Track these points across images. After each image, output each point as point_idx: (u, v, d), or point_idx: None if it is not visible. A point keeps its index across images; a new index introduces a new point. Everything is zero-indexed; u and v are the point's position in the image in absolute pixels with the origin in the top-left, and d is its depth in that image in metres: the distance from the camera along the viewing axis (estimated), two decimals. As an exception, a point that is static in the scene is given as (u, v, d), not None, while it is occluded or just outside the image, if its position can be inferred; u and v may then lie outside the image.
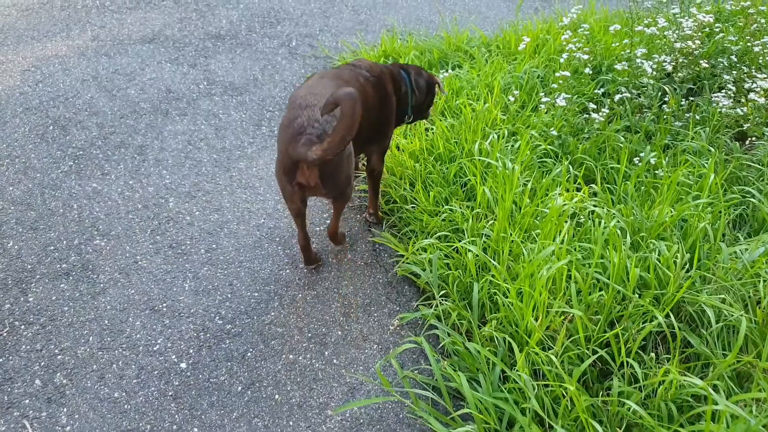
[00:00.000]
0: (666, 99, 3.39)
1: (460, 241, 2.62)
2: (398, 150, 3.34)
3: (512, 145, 3.18)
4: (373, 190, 2.89)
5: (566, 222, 2.50)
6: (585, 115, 3.47)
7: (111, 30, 4.47)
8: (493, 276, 2.34)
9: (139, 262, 2.65)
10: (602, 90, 3.73)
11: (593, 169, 3.02)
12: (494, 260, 2.41)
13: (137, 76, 3.97)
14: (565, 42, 3.68)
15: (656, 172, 2.96)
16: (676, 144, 3.18)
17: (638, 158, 3.06)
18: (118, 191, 3.04)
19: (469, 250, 2.43)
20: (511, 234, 2.46)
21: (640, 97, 3.35)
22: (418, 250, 2.67)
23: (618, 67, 3.36)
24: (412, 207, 2.97)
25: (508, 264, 2.38)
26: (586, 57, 3.66)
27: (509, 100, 3.60)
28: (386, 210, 3.03)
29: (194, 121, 3.61)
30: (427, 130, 3.40)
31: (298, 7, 5.14)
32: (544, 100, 3.17)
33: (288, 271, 2.65)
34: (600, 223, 2.51)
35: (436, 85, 3.00)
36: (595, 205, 2.70)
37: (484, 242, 2.55)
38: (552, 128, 3.26)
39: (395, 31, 4.84)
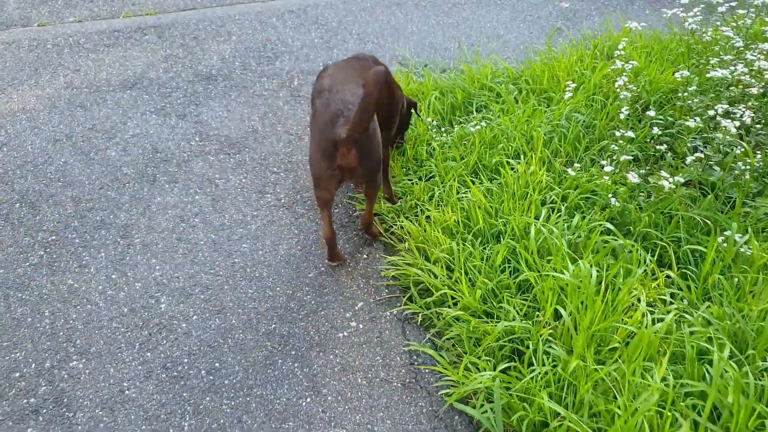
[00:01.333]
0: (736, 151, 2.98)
1: (520, 356, 2.19)
2: (428, 222, 2.91)
3: (567, 220, 2.75)
4: (383, 178, 2.90)
5: (655, 334, 2.07)
6: (641, 170, 3.06)
7: (87, 74, 4.01)
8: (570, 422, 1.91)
9: (126, 391, 2.20)
10: (654, 130, 3.31)
11: (658, 242, 2.60)
12: (569, 391, 1.98)
13: (118, 132, 3.51)
14: (619, 89, 3.25)
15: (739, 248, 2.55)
16: (753, 206, 2.77)
17: (703, 222, 2.64)
18: (98, 289, 2.58)
19: (541, 389, 1.99)
20: (591, 364, 2.03)
21: (714, 153, 2.93)
22: (468, 369, 2.23)
23: (690, 124, 2.93)
24: (454, 303, 2.54)
25: (589, 402, 1.95)
26: (628, 95, 3.23)
27: (552, 157, 3.18)
28: (422, 305, 2.60)
29: (187, 189, 3.15)
30: (460, 198, 2.96)
31: (297, 37, 4.69)
32: (607, 169, 2.74)
33: (309, 399, 2.21)
34: (688, 329, 2.10)
35: (413, 107, 3.25)
36: (672, 298, 2.28)
37: (553, 364, 2.12)
38: (610, 194, 2.84)
39: (409, 65, 4.40)
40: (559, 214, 2.78)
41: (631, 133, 2.85)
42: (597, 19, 5.39)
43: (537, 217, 2.78)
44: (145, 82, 3.96)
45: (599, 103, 3.67)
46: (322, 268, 2.77)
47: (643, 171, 3.06)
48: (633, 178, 2.57)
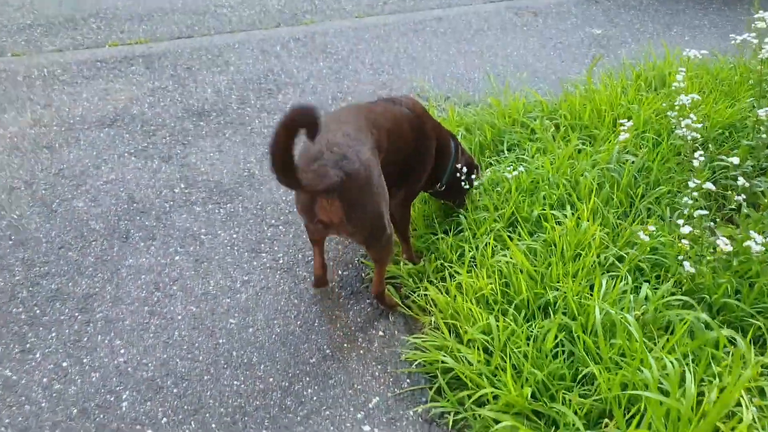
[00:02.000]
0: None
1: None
2: (458, 290, 2.37)
3: (632, 292, 2.21)
4: (401, 236, 2.61)
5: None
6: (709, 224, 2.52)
7: (59, 110, 3.56)
8: None
9: None
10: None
11: (739, 314, 2.06)
12: None
13: (89, 178, 3.03)
14: (686, 128, 2.74)
15: None
16: None
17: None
18: (43, 383, 2.06)
19: None
20: None
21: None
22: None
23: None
24: (494, 397, 1.99)
25: None
26: (696, 135, 2.72)
27: (604, 207, 2.65)
28: (454, 401, 2.05)
29: (165, 248, 2.65)
30: (497, 260, 2.43)
31: (302, 67, 4.24)
32: (685, 230, 2.20)
33: None
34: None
35: (476, 169, 2.82)
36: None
37: None
38: (680, 256, 2.30)
39: (429, 98, 3.92)
40: (622, 281, 2.24)
41: (711, 185, 2.32)
42: (633, 46, 4.92)
43: (591, 286, 2.26)
44: (126, 119, 3.50)
45: (651, 141, 3.15)
46: (327, 351, 2.24)
47: (710, 224, 2.52)
48: (724, 245, 2.03)
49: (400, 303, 2.44)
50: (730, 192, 2.88)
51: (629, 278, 2.25)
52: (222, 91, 3.86)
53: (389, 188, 2.34)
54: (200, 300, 2.42)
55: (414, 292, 2.50)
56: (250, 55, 4.32)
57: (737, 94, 3.69)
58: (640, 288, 2.23)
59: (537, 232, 2.66)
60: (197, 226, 2.79)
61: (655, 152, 3.03)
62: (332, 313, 2.39)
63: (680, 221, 2.29)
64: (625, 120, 2.80)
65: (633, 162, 2.95)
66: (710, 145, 3.08)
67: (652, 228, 2.26)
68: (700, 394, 1.79)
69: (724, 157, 3.05)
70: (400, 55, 4.55)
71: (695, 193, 2.41)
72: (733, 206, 2.65)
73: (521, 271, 2.36)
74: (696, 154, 2.51)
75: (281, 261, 2.62)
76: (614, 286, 2.21)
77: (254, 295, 2.46)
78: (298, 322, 2.34)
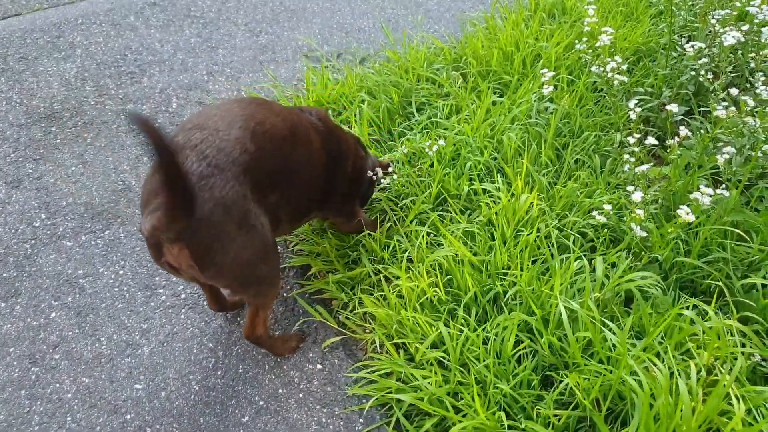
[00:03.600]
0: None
1: None
2: (400, 298, 2.08)
3: (585, 270, 2.01)
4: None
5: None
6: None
7: None
8: None
9: None
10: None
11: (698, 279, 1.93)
12: None
13: None
14: (601, 67, 2.51)
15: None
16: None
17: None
18: None
19: None
20: None
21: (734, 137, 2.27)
22: None
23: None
24: (461, 420, 1.75)
25: None
26: (624, 79, 2.52)
27: (534, 168, 2.42)
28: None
29: (34, 304, 2.15)
30: (432, 249, 2.15)
31: (166, 39, 3.61)
32: (636, 196, 1.98)
33: None
34: None
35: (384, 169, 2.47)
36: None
37: None
38: (633, 225, 2.12)
39: (319, 57, 3.46)
40: (575, 260, 2.03)
41: (653, 140, 2.11)
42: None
43: (544, 271, 2.04)
44: (-48, 138, 2.81)
45: (565, 82, 2.93)
46: (261, 402, 1.90)
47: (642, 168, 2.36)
48: (686, 215, 1.83)
49: (297, 341, 2.09)
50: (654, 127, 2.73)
51: (580, 256, 2.04)
52: (72, 82, 3.20)
53: (305, 214, 2.05)
54: (92, 367, 1.97)
55: (347, 306, 2.18)
56: (98, 31, 3.62)
57: (639, 16, 3.53)
58: (592, 261, 2.03)
59: (469, 209, 2.40)
60: (72, 267, 2.28)
61: (573, 95, 2.80)
62: (257, 352, 2.03)
63: (630, 188, 2.07)
64: (545, 70, 2.53)
65: (552, 111, 2.72)
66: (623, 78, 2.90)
67: (608, 207, 2.03)
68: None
69: (641, 89, 2.89)
70: (278, 9, 4.00)
71: (635, 149, 2.21)
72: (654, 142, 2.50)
73: (462, 262, 2.10)
74: (631, 104, 2.30)
75: (183, 296, 2.20)
76: (567, 265, 2.00)
77: (159, 346, 2.04)
78: (219, 372, 1.97)
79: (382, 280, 2.16)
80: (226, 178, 1.50)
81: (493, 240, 2.20)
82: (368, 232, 2.33)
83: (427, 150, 2.50)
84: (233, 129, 1.60)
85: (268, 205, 1.69)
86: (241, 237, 1.54)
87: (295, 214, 1.97)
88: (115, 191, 2.60)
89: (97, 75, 3.27)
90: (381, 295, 2.12)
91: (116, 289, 2.21)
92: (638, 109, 2.37)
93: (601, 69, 2.74)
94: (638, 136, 2.20)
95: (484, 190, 2.38)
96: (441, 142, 2.49)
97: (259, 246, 1.62)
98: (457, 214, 2.32)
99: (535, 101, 2.78)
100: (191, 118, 1.67)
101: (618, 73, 2.45)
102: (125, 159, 2.77)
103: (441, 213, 2.38)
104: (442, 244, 2.20)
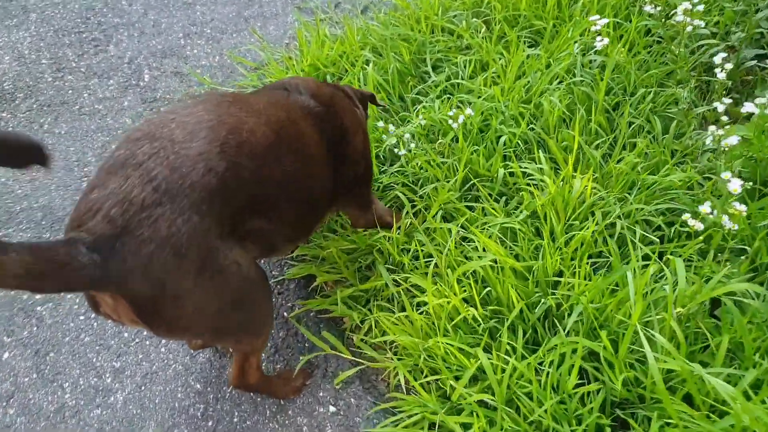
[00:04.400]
0: None
1: None
2: (427, 318, 1.69)
3: (663, 276, 1.59)
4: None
5: None
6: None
7: None
8: None
9: None
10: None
11: None
12: None
13: None
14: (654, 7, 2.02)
15: None
16: None
17: None
18: None
19: None
20: None
21: None
22: None
23: None
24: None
25: None
26: (700, 23, 2.03)
27: (584, 140, 1.97)
28: None
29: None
30: (463, 251, 1.73)
31: (134, -4, 3.10)
32: (736, 184, 1.53)
33: None
34: None
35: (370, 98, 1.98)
36: None
37: None
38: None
39: (313, 8, 2.96)
40: (632, 253, 1.61)
41: (723, 104, 1.65)
42: None
43: (613, 290, 1.63)
44: None
45: (612, 26, 2.42)
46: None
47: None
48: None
49: (303, 378, 1.70)
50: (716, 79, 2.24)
51: (652, 258, 1.62)
52: (26, 55, 2.74)
53: (316, 221, 1.66)
54: (54, 422, 1.61)
55: (361, 326, 1.79)
56: (56, -10, 3.12)
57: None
58: (663, 257, 1.62)
59: (505, 195, 1.96)
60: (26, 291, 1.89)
61: (620, 42, 2.31)
62: (256, 393, 1.66)
63: (726, 175, 1.61)
64: (596, 17, 2.03)
65: (599, 64, 2.23)
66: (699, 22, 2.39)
67: (707, 207, 1.58)
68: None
69: (706, 31, 2.38)
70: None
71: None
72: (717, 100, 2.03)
73: (502, 270, 1.68)
74: (717, 59, 1.82)
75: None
76: (640, 270, 1.57)
77: (136, 391, 1.67)
78: (210, 424, 1.60)
79: (403, 293, 1.75)
80: (179, 208, 1.10)
81: (540, 237, 1.78)
82: (384, 230, 1.91)
83: (450, 122, 2.05)
84: (196, 140, 1.18)
85: (252, 235, 1.31)
86: (203, 285, 1.15)
87: (299, 229, 1.58)
88: (78, 190, 2.19)
89: (55, 44, 2.79)
90: (403, 314, 1.71)
91: (82, 318, 1.83)
92: (718, 60, 1.89)
93: (656, 8, 2.24)
94: (728, 101, 1.73)
95: (524, 173, 1.94)
96: (468, 111, 2.03)
97: (233, 292, 1.23)
98: (489, 201, 1.89)
99: (577, 53, 2.29)
100: (141, 124, 1.25)
101: (690, 17, 1.95)
102: (90, 148, 2.34)
103: (470, 203, 1.94)
104: (474, 242, 1.78)
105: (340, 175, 1.66)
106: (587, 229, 1.70)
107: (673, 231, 1.75)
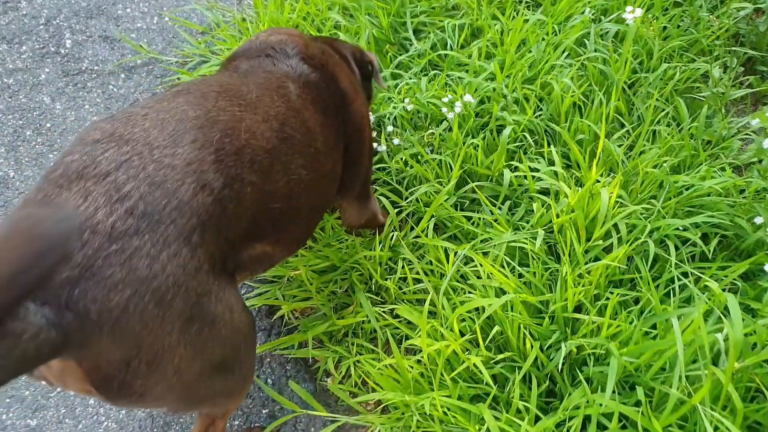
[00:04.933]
0: None
1: None
2: (419, 366, 1.38)
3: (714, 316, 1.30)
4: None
5: None
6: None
7: None
8: None
9: None
10: None
11: None
12: None
13: None
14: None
15: None
16: None
17: None
18: None
19: None
20: None
21: None
22: None
23: None
24: None
25: None
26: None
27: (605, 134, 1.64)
28: None
29: None
30: (464, 275, 1.41)
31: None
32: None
33: None
34: None
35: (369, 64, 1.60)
36: None
37: None
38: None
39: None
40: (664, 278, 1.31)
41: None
42: None
43: (652, 334, 1.33)
44: None
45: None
46: None
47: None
48: None
49: None
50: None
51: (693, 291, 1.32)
52: None
53: (316, 224, 1.34)
54: None
55: (337, 370, 1.47)
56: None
57: None
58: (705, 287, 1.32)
59: (509, 199, 1.63)
60: None
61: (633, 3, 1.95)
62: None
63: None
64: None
65: (614, 33, 1.88)
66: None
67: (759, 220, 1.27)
68: None
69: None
70: None
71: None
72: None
73: (511, 310, 1.36)
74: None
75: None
76: (678, 302, 1.28)
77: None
78: None
79: (389, 332, 1.43)
80: (163, 238, 0.83)
81: (555, 258, 1.46)
82: (366, 233, 1.57)
83: (444, 110, 1.68)
84: (181, 145, 0.90)
85: (251, 263, 1.08)
86: (188, 343, 0.86)
87: (303, 240, 1.32)
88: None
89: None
90: (390, 361, 1.39)
91: None
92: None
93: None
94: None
95: (533, 172, 1.60)
96: (467, 97, 1.66)
97: (221, 348, 0.94)
98: (493, 210, 1.56)
99: (591, 19, 1.93)
100: (101, 121, 0.95)
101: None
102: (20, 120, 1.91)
103: (468, 211, 1.61)
104: (474, 262, 1.45)
105: (348, 158, 1.35)
106: (611, 248, 1.39)
107: (711, 247, 1.45)
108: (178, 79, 2.11)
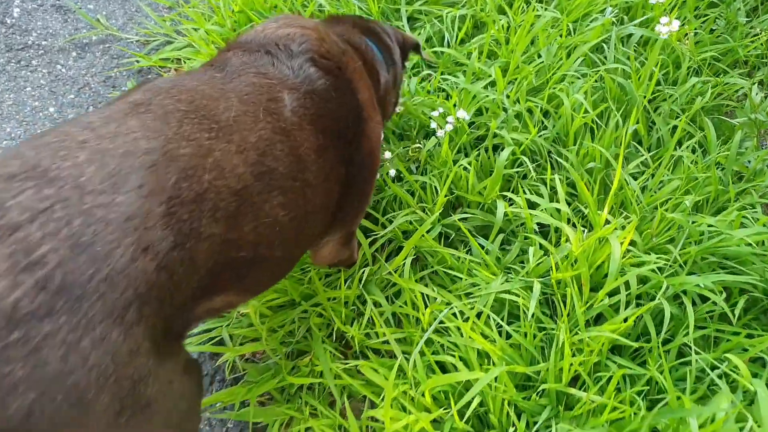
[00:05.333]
0: None
1: None
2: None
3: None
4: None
5: None
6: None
7: None
8: None
9: None
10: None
11: None
12: None
13: None
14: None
15: None
16: None
17: None
18: None
19: None
20: None
21: None
22: None
23: None
24: None
25: None
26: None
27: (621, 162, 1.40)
28: None
29: None
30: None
31: None
32: None
33: None
34: None
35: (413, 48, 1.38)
36: None
37: None
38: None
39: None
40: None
41: None
42: None
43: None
44: None
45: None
46: None
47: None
48: None
49: None
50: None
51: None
52: None
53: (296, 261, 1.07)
54: None
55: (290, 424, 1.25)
56: None
57: None
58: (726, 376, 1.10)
59: (503, 232, 1.39)
60: None
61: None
62: None
63: None
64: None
65: (640, 41, 1.62)
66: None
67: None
68: None
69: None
70: None
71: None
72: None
73: (497, 378, 1.14)
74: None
75: None
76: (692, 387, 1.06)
77: None
78: None
79: (347, 402, 1.21)
80: (86, 320, 0.64)
81: (552, 312, 1.24)
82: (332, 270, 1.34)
83: (435, 126, 1.44)
84: (123, 190, 0.69)
85: (206, 313, 0.88)
86: None
87: (276, 281, 1.07)
88: None
89: None
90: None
91: None
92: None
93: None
94: None
95: (532, 209, 1.36)
96: (461, 113, 1.41)
97: (161, 424, 0.76)
98: (478, 248, 1.32)
99: (613, 22, 1.66)
100: (26, 145, 0.72)
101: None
102: None
103: (453, 249, 1.37)
104: (454, 307, 1.23)
105: (350, 189, 1.08)
106: (617, 303, 1.17)
107: (738, 310, 1.22)
108: (137, 62, 1.85)
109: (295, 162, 0.90)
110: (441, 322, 1.22)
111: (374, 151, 1.12)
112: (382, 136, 1.20)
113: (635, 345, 1.17)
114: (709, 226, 1.30)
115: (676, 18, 1.69)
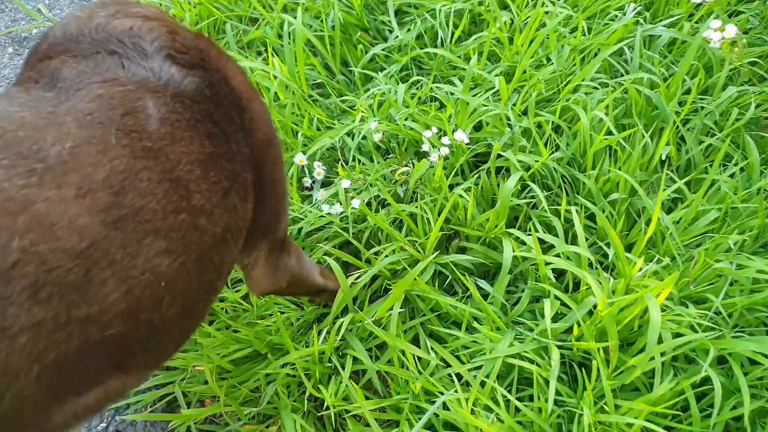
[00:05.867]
0: None
1: None
2: None
3: None
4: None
5: None
6: None
7: None
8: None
9: None
10: None
11: None
12: None
13: None
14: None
15: None
16: None
17: None
18: None
19: None
20: None
21: None
22: None
23: None
24: None
25: None
26: None
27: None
28: None
29: None
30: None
31: None
32: None
33: None
34: None
35: None
36: None
37: None
38: None
39: None
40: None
41: None
42: None
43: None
44: None
45: None
46: None
47: None
48: None
49: None
50: None
51: None
52: None
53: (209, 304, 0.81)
54: None
55: None
56: None
57: None
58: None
59: (512, 273, 1.15)
60: None
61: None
62: None
63: None
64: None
65: (665, 40, 1.38)
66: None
67: None
68: None
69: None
70: None
71: None
72: None
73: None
74: None
75: None
76: None
77: None
78: None
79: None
80: None
81: (570, 380, 1.01)
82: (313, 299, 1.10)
83: (426, 147, 1.19)
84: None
85: (84, 411, 0.65)
86: None
87: (178, 345, 0.80)
88: None
89: None
90: None
91: None
92: None
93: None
94: None
95: (543, 247, 1.12)
96: (458, 135, 1.17)
97: None
98: (480, 300, 1.09)
99: (637, 21, 1.42)
100: None
101: None
102: None
103: (449, 291, 1.14)
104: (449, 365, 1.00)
105: (261, 190, 0.84)
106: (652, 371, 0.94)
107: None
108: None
109: (172, 189, 0.65)
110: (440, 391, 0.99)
111: (271, 136, 0.87)
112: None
113: (677, 427, 0.94)
114: (759, 271, 1.07)
115: (710, 16, 1.46)
